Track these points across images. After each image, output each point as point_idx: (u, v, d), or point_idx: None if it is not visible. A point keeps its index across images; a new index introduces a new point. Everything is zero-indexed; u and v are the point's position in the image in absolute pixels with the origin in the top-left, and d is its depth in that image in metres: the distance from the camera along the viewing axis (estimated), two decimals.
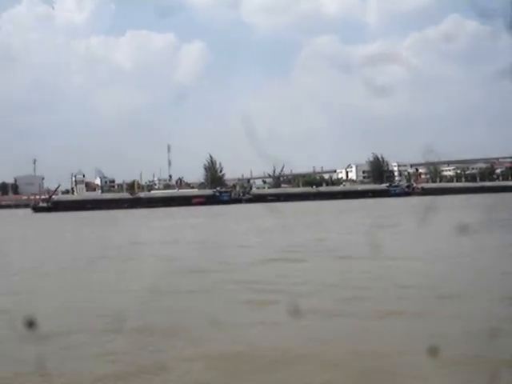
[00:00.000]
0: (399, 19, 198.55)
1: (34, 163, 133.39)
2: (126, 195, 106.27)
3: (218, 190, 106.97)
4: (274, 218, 37.90)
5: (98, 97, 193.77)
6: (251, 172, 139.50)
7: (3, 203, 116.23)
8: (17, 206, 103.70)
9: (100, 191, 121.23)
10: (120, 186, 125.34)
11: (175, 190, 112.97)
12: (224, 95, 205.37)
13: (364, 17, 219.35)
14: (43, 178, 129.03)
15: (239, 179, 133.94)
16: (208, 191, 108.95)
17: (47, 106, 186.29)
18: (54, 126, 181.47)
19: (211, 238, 27.21)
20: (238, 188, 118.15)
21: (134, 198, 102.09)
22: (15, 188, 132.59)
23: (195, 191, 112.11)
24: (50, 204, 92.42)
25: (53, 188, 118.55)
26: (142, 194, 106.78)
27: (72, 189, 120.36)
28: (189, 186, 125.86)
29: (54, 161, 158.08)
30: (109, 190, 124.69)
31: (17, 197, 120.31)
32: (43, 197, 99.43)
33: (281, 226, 30.55)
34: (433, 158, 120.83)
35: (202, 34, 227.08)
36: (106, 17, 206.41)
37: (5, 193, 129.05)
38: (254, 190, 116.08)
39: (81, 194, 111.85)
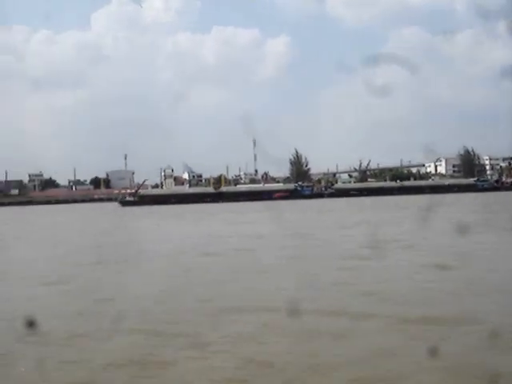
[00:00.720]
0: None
1: (125, 158, 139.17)
2: (209, 190, 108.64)
3: (299, 185, 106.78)
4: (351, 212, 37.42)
5: (186, 93, 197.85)
6: (337, 166, 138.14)
7: (96, 197, 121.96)
8: (109, 199, 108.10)
9: (188, 186, 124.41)
10: (207, 180, 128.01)
11: (260, 185, 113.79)
12: (309, 89, 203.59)
13: (452, 5, 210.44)
14: (133, 173, 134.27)
15: (325, 174, 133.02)
16: (290, 185, 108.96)
17: (136, 101, 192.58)
18: (143, 121, 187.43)
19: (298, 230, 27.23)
20: (322, 182, 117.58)
21: (218, 192, 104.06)
22: (107, 182, 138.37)
23: (277, 186, 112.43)
24: (136, 198, 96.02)
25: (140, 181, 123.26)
26: (225, 189, 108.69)
27: (161, 183, 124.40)
28: (274, 180, 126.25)
29: (144, 156, 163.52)
30: (196, 185, 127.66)
31: (108, 191, 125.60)
32: (130, 191, 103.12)
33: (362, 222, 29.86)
34: None
35: (288, 29, 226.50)
36: (192, 14, 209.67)
37: (97, 187, 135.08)
38: (338, 185, 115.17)
39: (169, 188, 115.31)
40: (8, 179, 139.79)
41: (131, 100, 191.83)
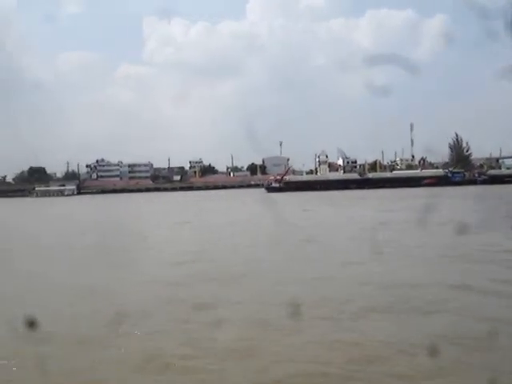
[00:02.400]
0: None
1: (281, 145, 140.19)
2: (354, 176, 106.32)
3: (450, 171, 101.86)
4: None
5: (338, 78, 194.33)
6: (500, 151, 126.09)
7: (252, 183, 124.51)
8: (263, 185, 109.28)
9: (342, 171, 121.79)
10: (362, 166, 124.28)
11: (417, 171, 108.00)
12: (468, 71, 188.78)
13: None
14: (288, 159, 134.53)
15: (487, 159, 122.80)
16: (440, 172, 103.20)
17: (291, 88, 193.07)
18: (298, 107, 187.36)
19: None
20: (485, 168, 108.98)
21: (363, 178, 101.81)
22: (263, 169, 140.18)
23: (426, 172, 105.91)
24: (281, 184, 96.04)
25: (297, 168, 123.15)
26: (371, 175, 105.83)
27: (315, 169, 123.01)
28: (432, 166, 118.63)
29: (299, 142, 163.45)
30: (351, 171, 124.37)
31: (264, 177, 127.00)
32: (276, 177, 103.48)
33: None
34: None
35: (443, 7, 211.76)
36: None
37: (254, 173, 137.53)
38: (492, 171, 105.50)
39: (324, 174, 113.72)
40: (171, 166, 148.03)
41: (286, 87, 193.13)
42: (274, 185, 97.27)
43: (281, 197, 62.50)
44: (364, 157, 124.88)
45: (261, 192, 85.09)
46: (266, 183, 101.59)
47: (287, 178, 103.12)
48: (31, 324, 7.07)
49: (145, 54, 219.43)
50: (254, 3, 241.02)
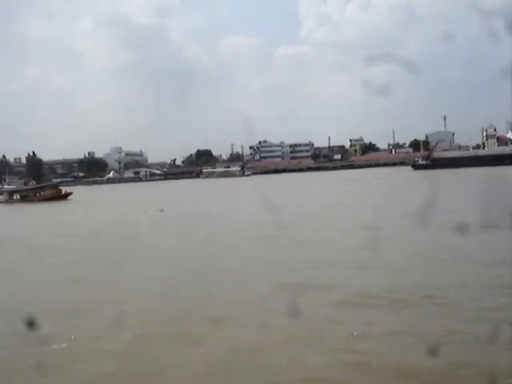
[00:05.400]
0: None
1: (445, 119, 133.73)
2: (507, 150, 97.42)
3: None
4: None
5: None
6: None
7: (416, 159, 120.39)
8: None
9: None
10: None
11: None
12: None
13: None
14: (453, 134, 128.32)
15: None
16: None
17: (454, 62, 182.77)
18: (463, 82, 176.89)
19: None
20: None
21: None
22: (426, 144, 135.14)
23: None
24: (428, 161, 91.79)
25: (463, 143, 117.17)
26: None
27: (483, 144, 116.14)
28: None
29: (465, 116, 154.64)
30: None
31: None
32: (422, 155, 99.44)
33: None
34: None
35: None
36: None
37: (416, 149, 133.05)
38: None
39: (492, 148, 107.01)
40: (331, 145, 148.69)
41: (450, 60, 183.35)
42: (420, 162, 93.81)
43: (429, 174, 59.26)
44: None
45: (406, 170, 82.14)
46: (411, 161, 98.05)
47: (434, 154, 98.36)
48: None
49: (302, 35, 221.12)
50: None
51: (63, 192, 60.01)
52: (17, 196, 61.42)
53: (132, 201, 52.17)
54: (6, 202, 59.91)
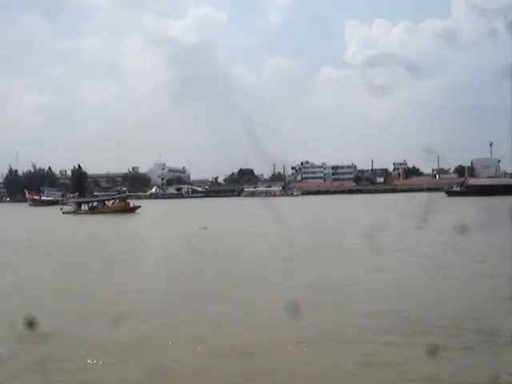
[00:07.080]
0: None
1: (491, 146, 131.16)
2: None
3: None
4: None
5: None
6: None
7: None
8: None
9: None
10: None
11: None
12: None
13: None
14: (499, 161, 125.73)
15: None
16: None
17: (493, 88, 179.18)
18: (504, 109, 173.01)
19: None
20: None
21: None
22: (472, 170, 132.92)
23: None
24: (463, 188, 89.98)
25: (508, 171, 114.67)
26: None
27: None
28: None
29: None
30: None
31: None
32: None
33: None
34: None
35: None
36: None
37: (461, 175, 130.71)
38: None
39: None
40: (374, 168, 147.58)
41: (488, 86, 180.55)
42: (455, 188, 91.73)
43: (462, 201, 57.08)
44: None
45: (441, 196, 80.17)
46: (445, 187, 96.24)
47: (469, 181, 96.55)
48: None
49: (347, 57, 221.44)
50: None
51: (131, 205, 60.04)
52: (85, 207, 61.01)
53: (180, 217, 53.32)
54: (74, 212, 59.50)
